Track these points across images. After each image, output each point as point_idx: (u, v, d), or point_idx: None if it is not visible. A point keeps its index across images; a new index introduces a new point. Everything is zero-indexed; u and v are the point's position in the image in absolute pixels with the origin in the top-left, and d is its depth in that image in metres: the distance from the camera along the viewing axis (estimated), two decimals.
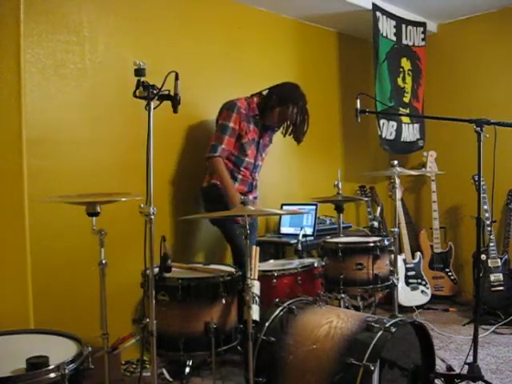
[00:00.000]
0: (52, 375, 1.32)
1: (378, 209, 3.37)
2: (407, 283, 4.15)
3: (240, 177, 3.19)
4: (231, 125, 3.08)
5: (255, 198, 3.31)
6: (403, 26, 4.37)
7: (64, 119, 2.87)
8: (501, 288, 3.81)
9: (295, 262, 2.92)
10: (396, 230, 2.91)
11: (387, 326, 1.95)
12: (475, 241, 2.69)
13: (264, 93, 3.23)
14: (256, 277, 2.32)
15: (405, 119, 4.47)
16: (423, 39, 4.53)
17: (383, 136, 4.25)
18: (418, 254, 4.33)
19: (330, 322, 2.07)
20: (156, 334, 1.79)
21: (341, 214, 3.17)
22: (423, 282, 4.19)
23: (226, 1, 3.64)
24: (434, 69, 4.64)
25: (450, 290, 4.33)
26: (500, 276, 3.84)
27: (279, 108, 3.14)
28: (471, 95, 4.44)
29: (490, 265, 3.85)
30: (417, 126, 4.60)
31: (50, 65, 2.81)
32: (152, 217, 1.77)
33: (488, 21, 4.34)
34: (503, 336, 3.43)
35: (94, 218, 2.02)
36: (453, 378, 2.57)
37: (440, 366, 2.82)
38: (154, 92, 1.76)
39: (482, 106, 4.31)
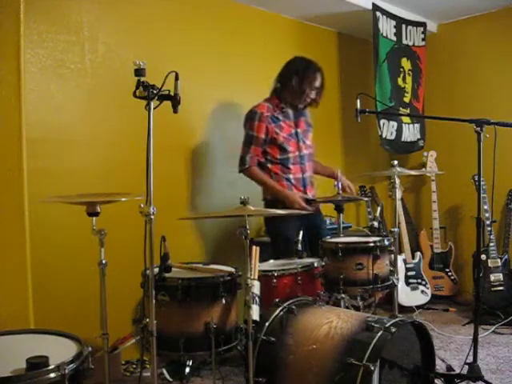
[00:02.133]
0: (52, 375, 1.31)
1: (378, 209, 3.36)
2: (407, 283, 4.15)
3: (291, 176, 3.15)
4: (254, 134, 3.09)
5: (313, 196, 3.24)
6: (403, 25, 4.37)
7: (64, 119, 2.87)
8: (501, 288, 3.81)
9: (295, 262, 2.92)
10: (396, 229, 2.90)
11: (387, 326, 1.95)
12: (475, 241, 2.69)
13: (277, 85, 3.22)
14: (256, 277, 2.32)
15: (405, 119, 4.47)
16: (423, 39, 4.53)
17: (383, 136, 4.25)
18: (418, 253, 4.33)
19: (330, 322, 2.07)
20: (156, 334, 1.79)
21: (341, 214, 3.17)
22: (423, 282, 4.19)
23: (226, 1, 3.64)
24: (434, 69, 4.64)
25: (450, 290, 4.33)
26: (500, 276, 3.84)
27: (306, 82, 3.11)
28: (471, 95, 4.44)
29: (489, 265, 3.85)
30: (417, 126, 4.60)
31: (49, 65, 2.81)
32: (152, 217, 1.77)
33: (488, 21, 4.34)
34: (503, 336, 3.43)
35: (94, 218, 2.03)
36: (453, 377, 2.57)
37: (440, 366, 2.82)
38: (154, 92, 1.76)
39: (482, 106, 4.31)
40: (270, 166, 3.14)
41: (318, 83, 3.18)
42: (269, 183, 3.09)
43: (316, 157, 3.42)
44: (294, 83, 3.12)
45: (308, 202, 3.11)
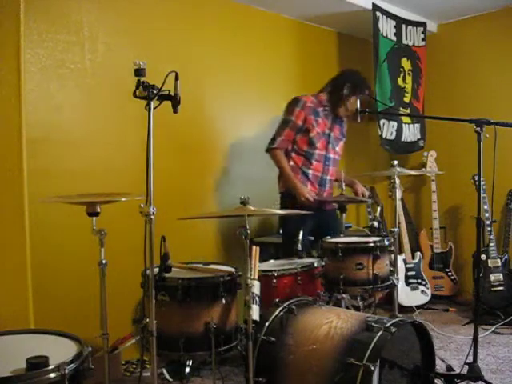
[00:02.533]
0: (52, 375, 1.31)
1: (378, 209, 3.37)
2: (407, 283, 4.15)
3: (311, 172, 3.23)
4: (293, 118, 3.17)
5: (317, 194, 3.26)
6: (403, 25, 4.37)
7: (64, 119, 2.87)
8: (501, 288, 3.81)
9: (295, 262, 2.92)
10: (396, 229, 2.90)
11: (387, 326, 1.95)
12: (475, 241, 2.69)
13: (328, 88, 3.30)
14: (256, 277, 2.32)
15: (405, 119, 4.47)
16: (423, 39, 4.53)
17: (384, 136, 4.25)
18: (418, 253, 4.33)
19: (330, 322, 2.07)
20: (156, 334, 1.79)
21: (343, 215, 3.18)
22: (423, 282, 4.19)
23: (226, 1, 3.64)
24: (434, 69, 4.64)
25: (450, 290, 4.33)
26: (500, 276, 3.84)
27: (354, 96, 3.20)
28: (471, 95, 4.44)
29: (490, 265, 3.85)
30: (417, 126, 4.60)
31: (49, 65, 2.81)
32: (152, 217, 1.77)
33: (488, 21, 4.34)
34: (503, 336, 3.43)
35: (94, 218, 2.03)
36: (453, 377, 2.57)
37: (440, 366, 2.82)
38: (154, 92, 1.76)
39: (482, 106, 4.31)
40: (293, 155, 3.23)
41: (360, 102, 3.18)
42: (286, 170, 3.18)
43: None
44: (343, 92, 3.21)
45: (318, 202, 3.16)
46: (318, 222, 3.18)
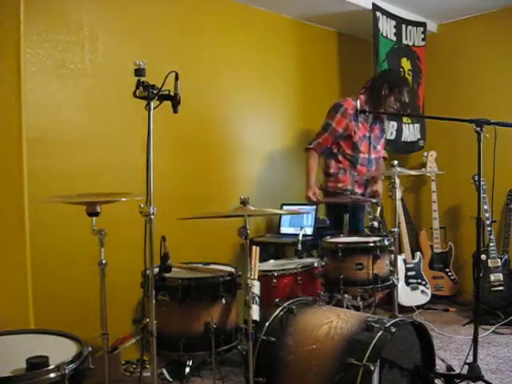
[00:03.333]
0: (52, 375, 1.31)
1: (378, 209, 3.36)
2: (407, 283, 4.14)
3: (356, 174, 3.41)
4: (333, 124, 3.34)
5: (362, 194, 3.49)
6: (403, 25, 4.37)
7: (64, 119, 2.87)
8: (501, 288, 3.81)
9: (295, 262, 2.92)
10: (396, 229, 2.90)
11: (387, 326, 1.95)
12: (475, 241, 2.69)
13: (367, 89, 3.41)
14: (256, 277, 2.32)
15: (405, 119, 4.47)
16: (423, 39, 4.53)
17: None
18: (418, 253, 4.33)
19: (330, 322, 2.07)
20: (156, 334, 1.79)
21: (347, 215, 3.19)
22: (423, 282, 4.19)
23: (226, 1, 3.64)
24: (433, 69, 4.64)
25: (450, 290, 4.33)
26: (500, 276, 3.84)
27: (393, 94, 3.32)
28: (471, 95, 4.44)
29: (490, 265, 3.85)
30: (417, 126, 4.60)
31: (49, 65, 2.81)
32: (152, 217, 1.77)
33: (488, 21, 4.34)
34: (503, 336, 3.43)
35: (94, 218, 2.02)
36: (453, 377, 2.57)
37: (440, 366, 2.82)
38: (154, 92, 1.76)
39: (482, 106, 4.31)
40: (340, 158, 3.40)
41: (399, 102, 3.38)
42: (309, 169, 3.39)
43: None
44: (382, 93, 3.32)
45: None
46: (351, 212, 3.33)
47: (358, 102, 3.27)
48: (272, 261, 3.10)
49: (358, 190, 3.45)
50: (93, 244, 2.08)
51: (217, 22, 3.59)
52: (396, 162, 2.92)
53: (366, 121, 3.41)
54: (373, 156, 3.48)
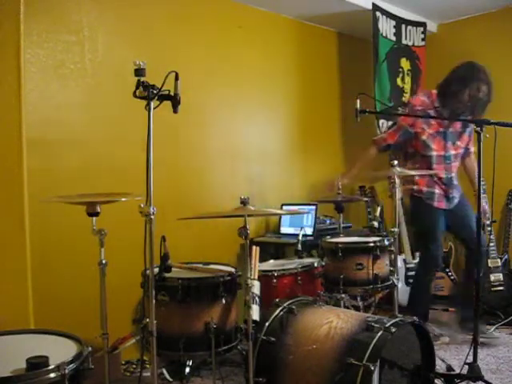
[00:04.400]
0: (52, 375, 1.31)
1: (378, 209, 3.36)
2: (407, 283, 4.14)
3: (435, 178, 3.24)
4: (400, 121, 3.25)
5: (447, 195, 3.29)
6: (403, 26, 4.37)
7: (64, 119, 2.87)
8: (501, 288, 3.81)
9: (295, 262, 2.92)
10: (396, 229, 2.90)
11: (387, 326, 1.95)
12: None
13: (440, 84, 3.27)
14: (256, 277, 2.32)
15: None
16: (423, 39, 4.53)
17: None
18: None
19: (330, 322, 2.07)
20: (156, 334, 1.79)
21: (341, 214, 3.17)
22: None
23: (226, 1, 3.64)
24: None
25: (450, 290, 4.33)
26: (500, 276, 3.84)
27: (467, 89, 3.11)
28: None
29: (490, 265, 3.84)
30: None
31: (50, 65, 2.81)
32: (152, 217, 1.77)
33: (488, 21, 4.34)
34: (503, 336, 3.43)
35: (94, 218, 2.02)
36: (453, 377, 2.56)
37: (440, 366, 2.82)
38: (154, 92, 1.76)
39: None
40: (418, 158, 3.26)
41: (479, 94, 3.14)
42: (358, 162, 3.42)
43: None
44: (453, 87, 3.14)
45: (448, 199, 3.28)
46: (450, 215, 3.27)
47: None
48: (272, 261, 3.10)
49: (439, 191, 3.26)
50: (93, 244, 2.08)
51: (216, 22, 3.59)
52: (396, 162, 2.92)
53: (441, 116, 3.18)
54: (452, 152, 3.25)
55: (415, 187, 3.27)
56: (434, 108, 3.19)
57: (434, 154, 3.21)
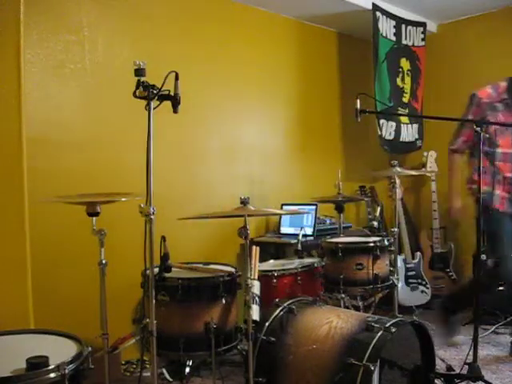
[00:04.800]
0: (52, 375, 1.31)
1: (378, 209, 3.37)
2: (407, 283, 4.14)
3: (497, 173, 2.94)
4: (469, 117, 2.94)
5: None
6: (403, 26, 4.37)
7: (64, 119, 2.87)
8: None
9: (295, 262, 2.92)
10: (396, 229, 2.90)
11: (387, 326, 1.95)
12: (475, 241, 2.69)
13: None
14: (256, 277, 2.32)
15: (403, 119, 4.47)
16: (423, 39, 4.53)
17: (383, 136, 4.26)
18: (418, 253, 4.32)
19: (330, 322, 2.07)
20: (156, 334, 1.79)
21: (341, 214, 3.17)
22: (423, 282, 4.19)
23: (226, 1, 3.64)
24: (433, 69, 4.64)
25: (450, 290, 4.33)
26: None
27: None
28: None
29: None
30: (415, 126, 4.60)
31: (50, 65, 2.81)
32: (152, 217, 1.77)
33: (488, 21, 4.34)
34: (503, 336, 3.43)
35: (94, 218, 2.03)
36: (453, 377, 2.57)
37: (440, 366, 2.82)
38: (154, 92, 1.76)
39: None
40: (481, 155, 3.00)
41: None
42: (449, 180, 3.11)
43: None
44: None
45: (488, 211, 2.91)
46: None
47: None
48: (272, 261, 3.10)
49: (500, 192, 2.96)
50: (93, 244, 2.08)
51: (216, 22, 3.59)
52: (396, 162, 2.92)
53: (510, 109, 2.91)
54: None
55: (474, 186, 2.90)
56: (501, 100, 2.94)
57: (499, 150, 2.92)
